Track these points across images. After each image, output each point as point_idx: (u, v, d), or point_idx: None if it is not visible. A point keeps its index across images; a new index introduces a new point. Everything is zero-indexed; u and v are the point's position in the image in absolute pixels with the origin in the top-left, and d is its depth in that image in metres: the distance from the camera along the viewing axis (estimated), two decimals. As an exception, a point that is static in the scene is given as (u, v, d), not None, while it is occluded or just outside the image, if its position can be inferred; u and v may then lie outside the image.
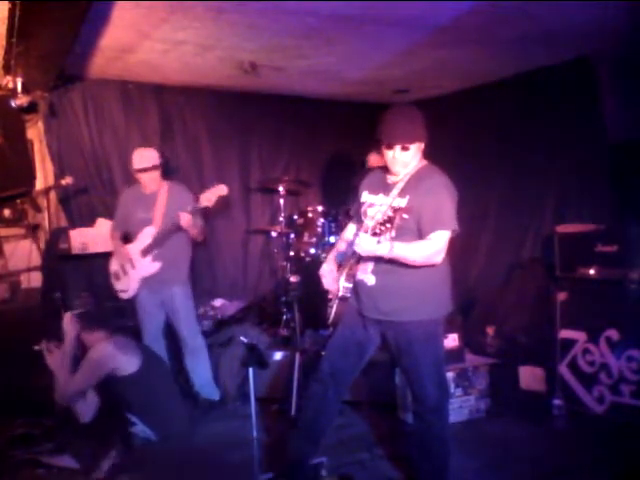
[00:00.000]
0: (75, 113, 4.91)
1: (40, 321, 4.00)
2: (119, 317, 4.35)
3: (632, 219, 3.98)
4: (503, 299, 4.79)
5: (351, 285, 2.70)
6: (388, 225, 2.34)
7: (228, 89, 5.45)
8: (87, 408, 3.20)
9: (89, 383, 3.07)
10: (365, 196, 2.79)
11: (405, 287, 2.65)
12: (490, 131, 5.31)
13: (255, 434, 2.79)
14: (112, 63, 4.46)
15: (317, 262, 4.42)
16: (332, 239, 4.79)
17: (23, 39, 3.27)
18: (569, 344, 3.91)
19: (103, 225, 4.67)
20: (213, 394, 4.16)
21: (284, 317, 4.83)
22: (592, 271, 3.82)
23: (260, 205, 5.92)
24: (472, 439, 3.54)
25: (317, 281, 2.87)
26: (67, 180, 4.35)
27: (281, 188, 5.21)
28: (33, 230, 4.63)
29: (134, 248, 3.95)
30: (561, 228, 4.17)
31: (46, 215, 4.49)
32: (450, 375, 3.69)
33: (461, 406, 3.83)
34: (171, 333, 4.14)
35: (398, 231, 2.53)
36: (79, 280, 4.74)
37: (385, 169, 2.75)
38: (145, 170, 3.89)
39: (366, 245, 2.43)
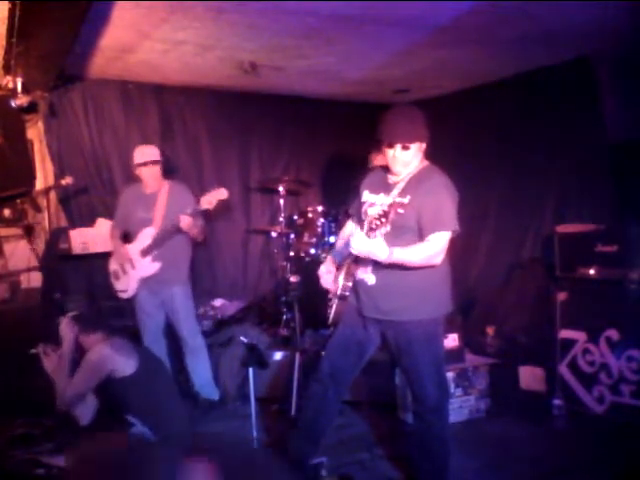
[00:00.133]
0: (75, 113, 4.91)
1: (40, 321, 4.00)
2: (118, 317, 4.35)
3: (632, 219, 3.98)
4: (503, 299, 4.79)
5: (350, 284, 2.70)
6: (383, 220, 2.34)
7: (228, 89, 5.45)
8: (86, 410, 3.19)
9: (88, 386, 3.06)
10: (366, 195, 2.79)
11: (405, 286, 2.65)
12: (490, 131, 5.31)
13: (255, 434, 2.79)
14: (112, 63, 4.46)
15: (317, 262, 4.42)
16: (332, 239, 4.79)
17: (23, 39, 3.27)
18: (569, 344, 3.91)
19: (103, 225, 4.67)
20: (213, 394, 4.16)
21: (284, 317, 4.83)
22: (592, 271, 3.82)
23: (260, 205, 5.92)
24: (472, 439, 3.54)
25: (317, 281, 2.87)
26: (67, 180, 4.35)
27: (281, 188, 5.21)
28: (28, 232, 4.62)
29: (134, 248, 3.94)
30: (561, 228, 4.17)
31: (46, 215, 4.50)
32: (450, 375, 3.69)
33: (461, 406, 3.83)
34: (171, 333, 4.14)
35: (399, 230, 2.54)
36: (79, 280, 4.75)
37: (386, 169, 2.75)
38: (146, 164, 3.89)
39: (361, 244, 2.43)
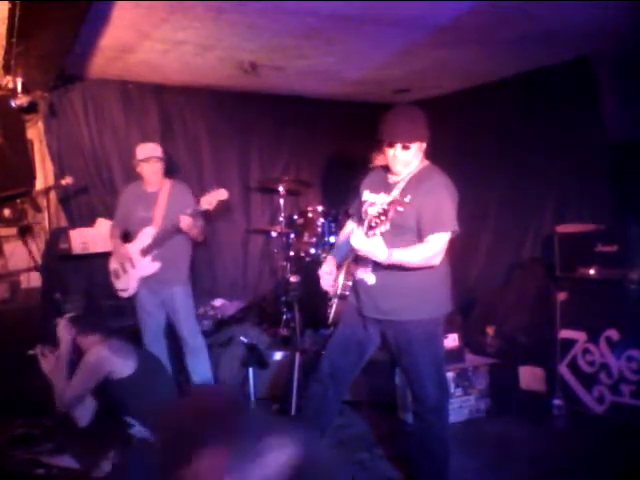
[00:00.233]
0: (75, 113, 4.91)
1: (40, 321, 4.00)
2: (119, 317, 4.35)
3: (632, 219, 3.98)
4: (503, 299, 4.79)
5: (350, 283, 2.70)
6: (383, 218, 2.34)
7: (228, 89, 5.45)
8: (85, 412, 3.19)
9: (87, 387, 3.06)
10: (366, 195, 2.79)
11: (405, 286, 2.65)
12: (490, 131, 5.31)
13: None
14: (112, 63, 4.46)
15: (317, 262, 4.42)
16: (332, 239, 4.79)
17: (23, 39, 3.27)
18: (569, 344, 3.91)
19: (103, 225, 4.66)
20: (213, 394, 4.15)
21: (284, 317, 4.83)
22: (592, 271, 3.82)
23: (260, 205, 5.92)
24: (472, 439, 3.54)
25: (317, 281, 2.87)
26: (67, 180, 4.34)
27: (281, 188, 5.21)
28: (22, 233, 4.61)
29: (134, 247, 3.94)
30: (561, 228, 4.17)
31: (46, 215, 4.49)
32: (450, 375, 3.69)
33: (461, 406, 3.83)
34: (171, 333, 4.14)
35: (398, 230, 2.53)
36: (79, 280, 4.74)
37: (387, 169, 2.75)
38: (148, 160, 3.89)
39: (360, 243, 2.43)
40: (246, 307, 5.24)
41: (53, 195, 4.68)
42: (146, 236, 3.90)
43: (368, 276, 2.69)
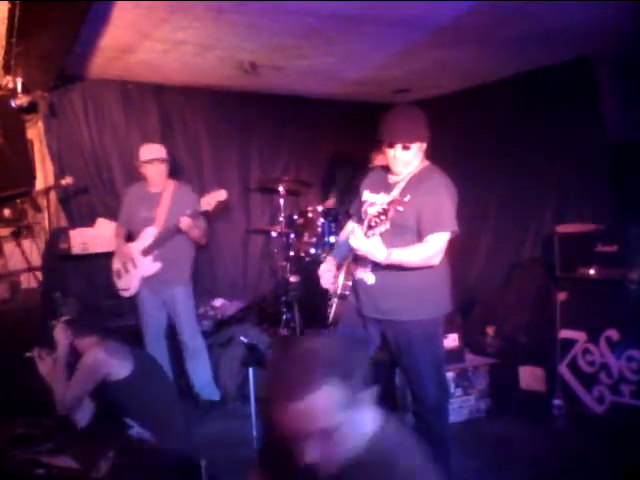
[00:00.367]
0: (75, 113, 4.91)
1: (40, 321, 4.00)
2: (119, 317, 4.35)
3: (632, 219, 3.97)
4: (503, 299, 4.79)
5: (350, 283, 2.70)
6: (383, 217, 2.34)
7: (228, 89, 5.45)
8: (83, 413, 3.18)
9: (84, 390, 3.05)
10: (366, 195, 2.80)
11: (405, 286, 2.65)
12: (490, 131, 5.31)
13: (255, 434, 2.79)
14: (112, 63, 4.46)
15: (317, 262, 4.42)
16: (332, 239, 4.79)
17: (23, 39, 3.27)
18: (569, 344, 3.90)
19: (103, 225, 4.67)
20: (213, 395, 4.16)
21: (284, 317, 4.83)
22: (592, 271, 3.82)
23: (260, 205, 5.92)
24: (472, 439, 3.54)
25: (317, 281, 2.87)
26: (67, 180, 4.34)
27: (281, 188, 5.21)
28: (16, 235, 4.61)
29: (136, 247, 3.95)
30: (561, 228, 4.16)
31: (46, 215, 4.49)
32: (450, 375, 3.69)
33: (461, 406, 3.83)
34: (172, 333, 4.14)
35: (398, 229, 2.53)
36: (79, 280, 4.74)
37: (387, 169, 2.75)
38: (152, 162, 3.90)
39: (359, 243, 2.42)
40: (246, 307, 5.23)
41: (53, 195, 4.68)
42: (148, 236, 3.91)
43: (367, 276, 2.69)
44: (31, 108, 4.53)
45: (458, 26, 3.71)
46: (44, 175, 4.84)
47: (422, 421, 2.79)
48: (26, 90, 4.17)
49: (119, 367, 3.00)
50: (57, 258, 4.48)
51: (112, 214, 4.84)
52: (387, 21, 3.66)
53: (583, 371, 3.82)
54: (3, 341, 3.78)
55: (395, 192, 2.64)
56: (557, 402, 3.84)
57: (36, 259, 4.68)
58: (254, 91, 5.51)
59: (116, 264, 4.07)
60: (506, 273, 4.99)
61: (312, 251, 4.87)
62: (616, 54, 4.30)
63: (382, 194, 2.70)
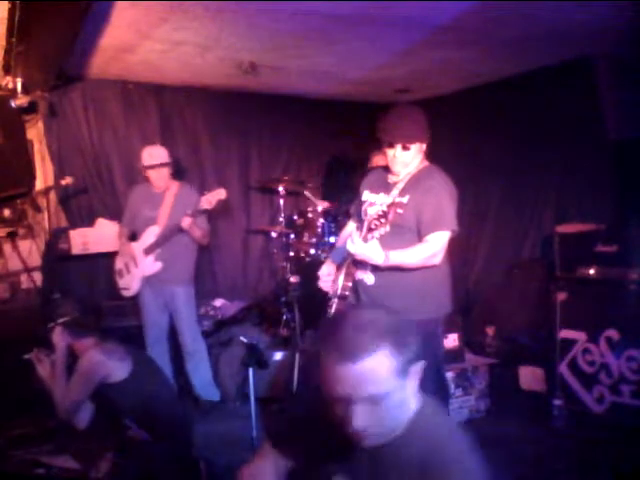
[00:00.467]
0: (75, 113, 4.90)
1: (40, 321, 4.00)
2: (120, 317, 4.35)
3: (632, 219, 3.97)
4: (503, 299, 4.79)
5: (350, 284, 2.70)
6: (382, 220, 2.34)
7: (228, 89, 5.45)
8: (83, 416, 3.18)
9: (83, 393, 3.04)
10: (366, 195, 2.80)
11: (404, 286, 2.65)
12: (490, 131, 5.31)
13: (255, 434, 2.79)
14: (112, 63, 4.46)
15: (317, 262, 4.42)
16: (332, 239, 4.79)
17: (23, 39, 3.27)
18: (569, 344, 3.90)
19: (103, 225, 4.67)
20: (214, 395, 4.16)
21: (284, 317, 4.82)
22: (592, 271, 3.81)
23: (260, 205, 5.92)
24: (472, 439, 3.53)
25: (317, 281, 2.87)
26: (67, 180, 4.35)
27: (281, 188, 5.21)
28: (12, 237, 4.60)
29: (138, 246, 3.96)
30: (561, 228, 4.16)
31: (46, 215, 4.49)
32: (450, 375, 3.69)
33: (461, 406, 3.83)
34: (173, 334, 4.14)
35: (398, 230, 2.53)
36: (79, 280, 4.75)
37: (386, 169, 2.75)
38: (153, 167, 3.91)
39: (357, 249, 2.42)
40: (246, 307, 5.23)
41: (53, 195, 4.68)
42: (150, 235, 3.91)
43: (367, 276, 2.69)
44: (31, 108, 4.53)
45: (458, 26, 3.71)
46: (44, 175, 4.84)
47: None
48: (26, 90, 4.17)
49: (117, 369, 2.99)
50: (57, 258, 4.48)
51: (112, 214, 4.85)
52: (387, 21, 3.66)
53: (583, 371, 3.82)
54: (3, 341, 3.78)
55: (395, 192, 2.64)
56: (557, 402, 3.84)
57: (36, 259, 4.68)
58: (254, 91, 5.50)
59: (118, 264, 4.07)
60: (506, 273, 4.99)
61: (312, 251, 4.87)
62: (616, 54, 4.30)
63: (382, 194, 2.70)
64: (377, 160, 4.48)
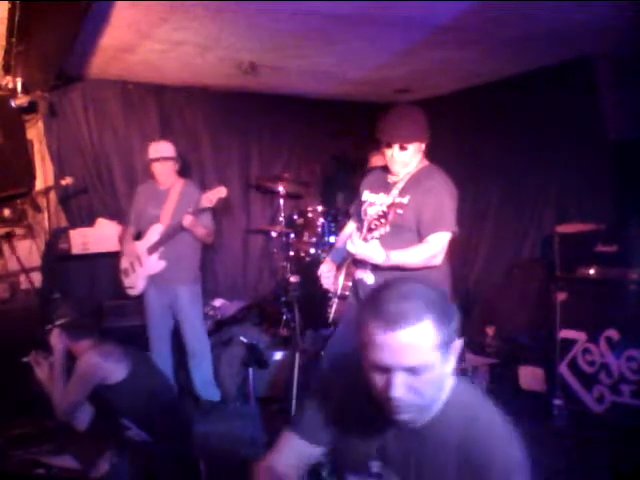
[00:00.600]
0: (75, 113, 4.90)
1: (39, 322, 4.00)
2: (121, 317, 4.35)
3: (632, 219, 3.97)
4: (503, 299, 4.79)
5: (350, 283, 2.70)
6: (382, 220, 2.34)
7: (228, 89, 5.45)
8: (82, 417, 3.18)
9: (81, 395, 3.03)
10: (366, 195, 2.80)
11: (405, 287, 2.64)
12: (490, 131, 5.31)
13: (255, 434, 2.78)
14: (112, 63, 4.46)
15: (317, 262, 4.41)
16: (332, 239, 4.79)
17: (23, 39, 3.27)
18: (569, 344, 3.90)
19: (103, 225, 4.67)
20: (214, 395, 4.15)
21: (284, 317, 4.83)
22: (592, 271, 3.81)
23: (260, 205, 5.92)
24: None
25: (317, 281, 2.87)
26: (67, 180, 4.35)
27: (281, 188, 5.21)
28: (8, 238, 4.60)
29: (142, 245, 3.96)
30: (561, 228, 4.16)
31: (46, 215, 4.49)
32: (450, 375, 3.68)
33: (461, 406, 3.82)
34: (175, 333, 4.13)
35: (398, 230, 2.53)
36: (79, 280, 4.74)
37: (386, 169, 2.75)
38: (158, 160, 3.91)
39: (357, 249, 2.42)
40: (246, 307, 5.23)
41: (53, 195, 4.68)
42: (154, 233, 3.91)
43: (367, 276, 2.69)
44: (31, 108, 4.53)
45: (458, 26, 3.71)
46: (44, 175, 4.84)
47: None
48: (26, 90, 4.17)
49: (114, 370, 2.98)
50: (57, 258, 4.48)
51: (112, 214, 4.85)
52: (387, 21, 3.66)
53: (583, 371, 3.82)
54: (3, 341, 3.78)
55: (395, 192, 2.64)
56: (557, 402, 3.84)
57: (36, 259, 4.68)
58: (254, 91, 5.50)
59: (124, 263, 4.07)
60: (506, 273, 4.99)
61: (312, 251, 4.87)
62: (616, 54, 4.30)
63: (382, 194, 2.70)
64: (375, 160, 4.48)
